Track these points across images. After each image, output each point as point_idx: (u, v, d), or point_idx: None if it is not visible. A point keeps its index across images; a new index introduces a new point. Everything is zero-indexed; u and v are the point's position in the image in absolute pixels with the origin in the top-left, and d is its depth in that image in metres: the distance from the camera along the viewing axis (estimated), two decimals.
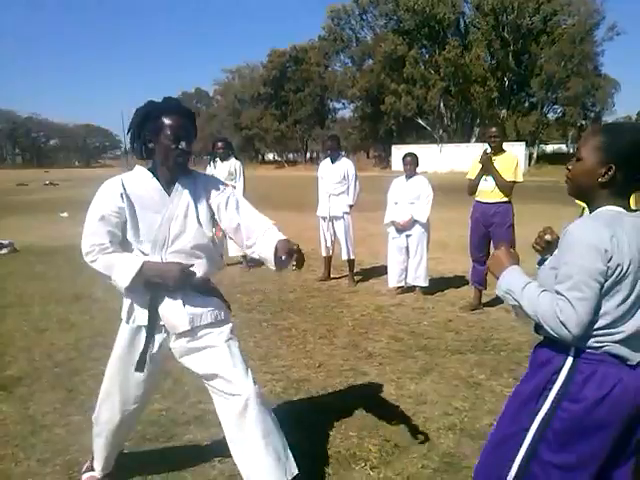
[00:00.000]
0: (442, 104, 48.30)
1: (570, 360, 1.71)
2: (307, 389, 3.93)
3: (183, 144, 2.38)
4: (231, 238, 2.59)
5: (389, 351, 4.65)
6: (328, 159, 7.39)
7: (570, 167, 1.79)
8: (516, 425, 1.79)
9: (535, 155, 45.67)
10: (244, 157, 51.56)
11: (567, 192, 1.84)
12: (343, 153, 7.74)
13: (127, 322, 2.53)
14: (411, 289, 6.61)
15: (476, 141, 44.63)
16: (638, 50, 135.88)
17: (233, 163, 8.12)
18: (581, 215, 5.16)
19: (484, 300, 6.06)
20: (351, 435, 3.25)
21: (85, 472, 2.86)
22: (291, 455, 2.53)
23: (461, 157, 38.31)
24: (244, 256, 8.17)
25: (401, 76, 47.18)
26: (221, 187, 2.58)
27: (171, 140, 2.35)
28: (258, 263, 8.35)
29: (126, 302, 2.54)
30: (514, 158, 5.65)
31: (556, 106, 48.52)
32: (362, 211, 9.56)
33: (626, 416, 1.68)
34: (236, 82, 70.62)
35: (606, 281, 1.61)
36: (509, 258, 1.90)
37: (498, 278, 1.88)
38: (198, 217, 2.48)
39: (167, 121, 2.35)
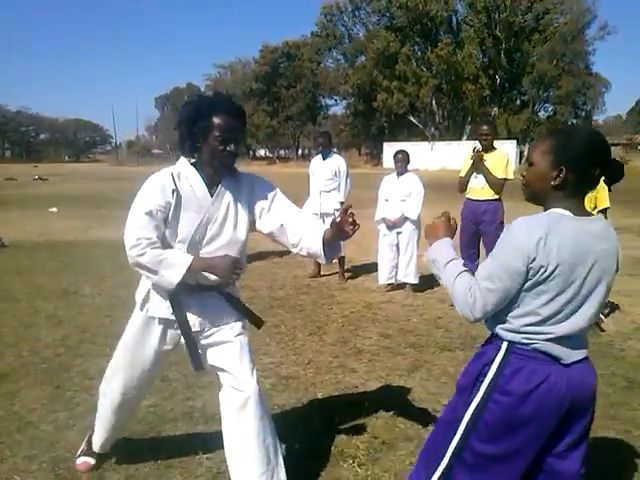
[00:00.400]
0: (434, 101, 48.39)
1: (502, 353, 1.75)
2: (296, 386, 3.93)
3: (232, 146, 2.31)
4: (275, 241, 2.54)
5: (378, 348, 4.66)
6: (319, 156, 7.38)
7: (524, 173, 1.83)
8: (454, 413, 1.83)
9: (526, 153, 45.81)
10: None
11: (524, 198, 1.87)
12: (335, 150, 7.74)
13: (141, 310, 2.53)
14: (401, 286, 6.62)
15: (467, 139, 44.74)
16: (629, 49, 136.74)
17: None
18: None
19: None
20: (339, 432, 3.24)
21: (79, 456, 2.90)
22: (282, 462, 2.53)
23: (452, 155, 38.41)
24: None
25: (393, 73, 47.20)
26: (267, 188, 2.52)
27: (219, 141, 2.28)
28: (248, 260, 8.36)
29: (142, 290, 2.52)
30: (505, 156, 5.67)
31: (547, 104, 48.83)
32: (353, 208, 9.53)
33: (556, 413, 1.71)
34: (228, 77, 70.43)
35: (528, 281, 1.67)
36: (445, 230, 1.96)
37: (430, 245, 1.96)
38: (236, 222, 2.45)
39: (217, 121, 2.27)
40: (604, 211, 4.98)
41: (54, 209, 15.13)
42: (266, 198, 2.48)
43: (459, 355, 4.53)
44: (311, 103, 62.71)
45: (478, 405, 1.76)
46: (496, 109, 46.96)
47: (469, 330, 5.18)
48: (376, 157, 51.60)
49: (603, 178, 1.77)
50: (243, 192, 2.46)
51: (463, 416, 1.78)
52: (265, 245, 8.72)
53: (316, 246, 2.35)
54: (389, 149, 42.13)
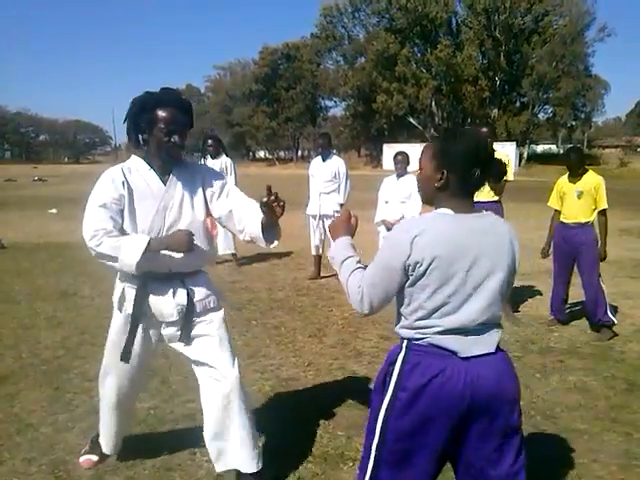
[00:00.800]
0: (433, 103, 48.39)
1: (403, 351, 1.82)
2: (296, 388, 3.92)
3: (176, 138, 2.41)
4: (224, 226, 2.65)
5: (378, 350, 4.65)
6: (319, 157, 7.38)
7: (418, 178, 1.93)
8: (372, 413, 1.88)
9: (525, 155, 45.90)
10: (235, 154, 51.38)
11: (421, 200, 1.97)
12: (334, 151, 7.74)
13: (119, 310, 2.61)
14: None
15: None
16: (628, 51, 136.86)
17: (224, 160, 8.09)
18: (557, 217, 5.23)
19: None
20: (339, 435, 3.24)
21: (83, 455, 2.96)
22: (260, 449, 2.69)
23: None
24: (234, 254, 8.15)
25: (393, 75, 47.21)
26: (216, 177, 2.64)
27: (164, 133, 2.39)
28: (247, 261, 8.38)
29: (117, 291, 2.62)
30: (505, 157, 5.65)
31: (547, 106, 48.77)
32: (353, 210, 9.52)
33: (455, 407, 1.74)
34: (227, 79, 70.43)
35: (410, 277, 1.75)
36: (344, 229, 2.03)
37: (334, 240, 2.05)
38: (193, 207, 2.54)
39: (161, 114, 2.38)
40: (603, 212, 4.99)
41: (53, 210, 15.13)
42: (216, 185, 2.59)
43: None
44: (311, 104, 62.71)
45: (388, 404, 1.81)
46: (496, 111, 46.96)
47: None
48: (376, 158, 51.58)
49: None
50: (196, 179, 2.57)
51: (378, 415, 1.83)
52: (264, 247, 8.70)
53: (256, 230, 2.46)
54: (389, 150, 42.08)
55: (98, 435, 2.95)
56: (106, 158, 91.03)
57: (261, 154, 72.81)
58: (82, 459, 2.95)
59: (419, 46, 49.77)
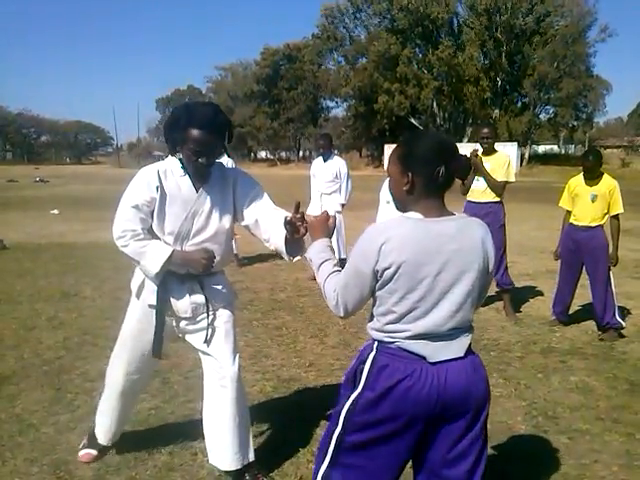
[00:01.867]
0: (435, 104, 48.34)
1: (373, 352, 1.84)
2: (297, 388, 3.93)
3: (203, 159, 2.46)
4: (252, 234, 2.70)
5: None
6: (320, 158, 7.39)
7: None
8: (337, 406, 1.91)
9: (527, 155, 45.82)
10: (236, 155, 51.44)
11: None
12: (335, 152, 7.75)
13: (137, 298, 2.71)
14: None
15: (468, 141, 44.65)
16: (629, 52, 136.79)
17: (225, 161, 8.01)
18: (568, 217, 5.19)
19: None
20: None
21: (82, 449, 3.01)
22: (252, 443, 2.76)
23: None
24: (235, 255, 8.16)
25: (394, 75, 47.16)
26: (249, 183, 2.70)
27: (192, 152, 2.44)
28: (249, 262, 8.38)
29: (137, 279, 2.70)
30: (506, 158, 5.66)
31: (548, 107, 48.68)
32: (354, 210, 9.55)
33: (421, 410, 1.76)
34: (229, 80, 70.42)
35: (378, 281, 1.78)
36: (322, 231, 2.07)
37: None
38: (221, 215, 2.61)
39: (192, 134, 2.41)
40: (616, 216, 4.94)
41: (55, 211, 15.14)
42: (247, 194, 2.65)
43: None
44: (312, 105, 62.70)
45: (354, 400, 1.84)
46: (497, 111, 46.92)
47: None
48: (377, 159, 51.55)
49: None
50: (228, 186, 2.63)
51: (343, 408, 1.86)
52: (265, 247, 8.70)
53: (279, 244, 2.50)
54: (390, 151, 41.89)
55: (95, 427, 3.01)
56: (108, 159, 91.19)
57: (262, 155, 72.83)
58: (81, 453, 3.00)
59: (420, 47, 49.71)
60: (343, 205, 7.27)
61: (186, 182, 2.55)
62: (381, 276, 1.76)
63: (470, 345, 1.87)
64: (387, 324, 1.81)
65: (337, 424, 1.87)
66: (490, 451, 3.13)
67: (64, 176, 39.31)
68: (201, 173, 2.54)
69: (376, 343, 1.85)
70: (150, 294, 2.65)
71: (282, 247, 2.49)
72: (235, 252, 8.13)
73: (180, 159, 2.56)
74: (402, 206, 1.88)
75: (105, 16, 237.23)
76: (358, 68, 51.66)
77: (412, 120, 49.36)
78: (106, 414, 2.93)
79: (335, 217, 2.13)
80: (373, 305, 1.86)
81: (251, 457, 2.74)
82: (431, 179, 1.79)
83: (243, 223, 2.67)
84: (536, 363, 4.43)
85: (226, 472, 2.76)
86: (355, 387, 1.85)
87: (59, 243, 10.03)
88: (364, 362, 1.85)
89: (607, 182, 4.96)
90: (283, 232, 2.42)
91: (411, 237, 1.75)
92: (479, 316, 5.73)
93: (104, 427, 2.95)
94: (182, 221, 2.54)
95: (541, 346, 4.83)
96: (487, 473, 2.89)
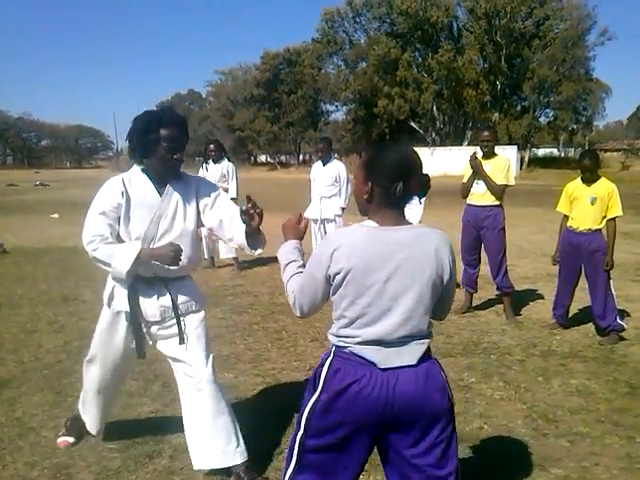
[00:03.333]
0: (435, 107, 48.35)
1: (330, 357, 1.89)
2: (298, 392, 3.91)
3: (178, 155, 2.64)
4: (216, 235, 2.83)
5: None
6: (320, 161, 7.40)
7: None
8: (301, 409, 1.93)
9: (527, 159, 45.78)
10: (236, 159, 51.41)
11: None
12: (335, 155, 7.75)
13: (108, 306, 2.83)
14: None
15: (468, 144, 44.68)
16: (629, 55, 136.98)
17: (226, 165, 8.11)
18: (566, 222, 5.18)
19: (475, 303, 6.08)
20: None
21: (60, 436, 3.19)
22: (243, 441, 2.78)
23: (453, 160, 38.29)
24: (235, 258, 8.16)
25: (394, 79, 47.19)
26: (210, 188, 2.84)
27: (166, 151, 2.61)
28: (249, 265, 8.38)
29: (108, 289, 2.83)
30: (506, 161, 5.67)
31: (548, 110, 48.65)
32: (354, 214, 9.54)
33: (371, 415, 1.78)
34: (229, 84, 70.40)
35: (331, 286, 1.85)
36: (292, 232, 2.14)
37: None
38: (185, 217, 2.74)
39: (164, 133, 2.59)
40: (613, 219, 4.92)
41: (55, 215, 15.16)
42: (209, 196, 2.79)
43: (461, 361, 4.52)
44: (312, 109, 62.67)
45: (312, 403, 1.87)
46: (497, 115, 46.93)
47: (471, 336, 5.18)
48: None
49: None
50: (190, 191, 2.78)
51: (304, 412, 1.90)
52: (266, 251, 8.72)
53: (241, 239, 2.66)
54: None
55: (75, 417, 3.19)
56: (108, 163, 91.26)
57: (262, 158, 72.77)
58: (59, 440, 3.16)
59: (420, 50, 49.74)
60: (343, 209, 7.27)
61: (150, 188, 2.70)
62: (333, 281, 1.82)
63: (428, 352, 1.88)
64: (340, 328, 1.86)
65: (300, 428, 1.90)
66: (490, 454, 3.14)
67: (64, 180, 39.33)
68: (174, 171, 2.70)
69: (333, 347, 1.89)
70: (120, 300, 2.76)
71: (244, 242, 2.65)
72: (235, 256, 8.14)
73: (142, 169, 2.71)
74: (363, 212, 1.93)
75: (105, 21, 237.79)
76: (358, 72, 51.70)
77: (412, 124, 49.42)
78: (88, 407, 3.10)
79: (307, 220, 2.19)
80: (333, 311, 1.90)
81: (245, 456, 2.76)
82: (389, 192, 1.82)
83: (207, 225, 2.81)
84: (536, 366, 4.43)
85: (211, 471, 2.81)
86: (314, 390, 1.89)
87: (59, 247, 10.04)
88: (322, 366, 1.90)
89: (605, 185, 4.96)
90: (243, 228, 2.60)
91: (361, 244, 1.79)
92: (480, 319, 5.73)
93: (88, 417, 3.12)
94: (148, 224, 2.67)
95: (541, 349, 4.83)
96: (488, 476, 2.90)
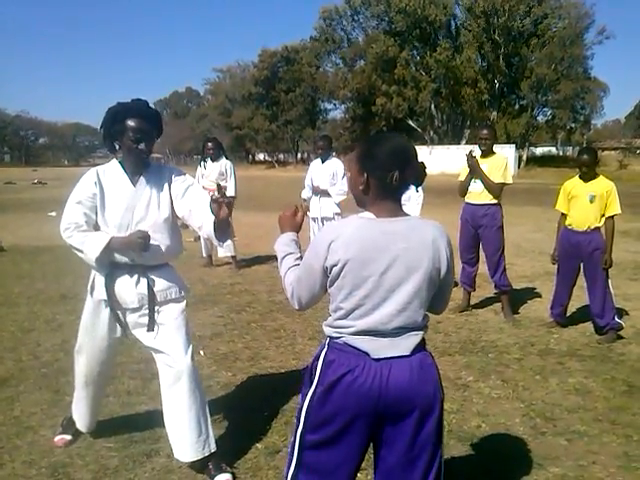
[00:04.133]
0: (433, 106, 48.38)
1: (325, 348, 1.90)
2: (297, 390, 3.91)
3: (142, 145, 2.73)
4: (187, 223, 2.89)
5: None
6: (319, 159, 7.39)
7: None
8: (299, 404, 1.94)
9: (525, 157, 45.85)
10: (234, 157, 51.32)
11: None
12: (334, 154, 7.74)
13: (90, 295, 2.92)
14: None
15: (466, 143, 44.71)
16: (627, 54, 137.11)
17: (224, 163, 8.10)
18: (563, 220, 5.18)
19: (473, 302, 6.08)
20: None
21: (57, 435, 3.21)
22: (212, 433, 2.86)
23: (451, 159, 38.30)
24: (233, 257, 8.16)
25: (392, 77, 47.20)
26: (182, 178, 2.91)
27: (132, 141, 2.71)
28: (247, 264, 8.38)
29: (90, 278, 2.92)
30: (503, 160, 5.67)
31: (546, 109, 48.71)
32: (352, 212, 9.54)
33: (365, 405, 1.79)
34: (227, 82, 70.37)
35: (328, 277, 1.85)
36: (289, 225, 2.14)
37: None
38: (159, 205, 2.83)
39: (130, 123, 2.69)
40: (612, 217, 4.92)
41: (53, 213, 15.09)
42: (181, 186, 2.87)
43: (459, 360, 4.53)
44: (310, 107, 62.61)
45: (310, 397, 1.88)
46: (495, 113, 46.96)
47: (469, 335, 5.18)
48: None
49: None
50: (163, 180, 2.86)
51: (302, 406, 1.91)
52: (264, 249, 8.73)
53: (209, 229, 2.70)
54: None
55: (71, 415, 3.21)
56: (106, 161, 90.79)
57: (261, 157, 72.72)
58: (56, 438, 3.18)
59: (418, 49, 49.75)
60: (337, 204, 7.22)
61: (124, 178, 2.81)
62: (330, 272, 1.82)
63: (423, 345, 1.89)
64: (336, 320, 1.86)
65: (299, 423, 1.91)
66: (488, 452, 3.14)
67: (62, 178, 39.19)
68: (141, 161, 2.79)
69: (328, 339, 1.90)
70: (100, 289, 2.84)
71: (211, 232, 2.69)
72: (233, 254, 8.13)
73: (120, 161, 2.83)
74: (360, 204, 1.93)
75: (103, 19, 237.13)
76: (356, 70, 51.70)
77: (410, 122, 49.42)
78: (78, 404, 3.15)
79: (304, 212, 2.19)
80: (329, 303, 1.90)
81: (212, 448, 2.83)
82: (385, 182, 1.82)
83: (179, 214, 2.87)
84: (534, 365, 4.43)
85: (190, 465, 2.87)
86: (311, 384, 1.89)
87: (57, 245, 9.97)
88: (317, 359, 1.91)
89: (604, 183, 4.96)
90: (212, 219, 2.65)
91: (358, 235, 1.80)
92: (478, 318, 5.74)
93: (78, 415, 3.17)
94: (122, 212, 2.77)
95: (539, 348, 4.84)
96: (486, 475, 2.91)
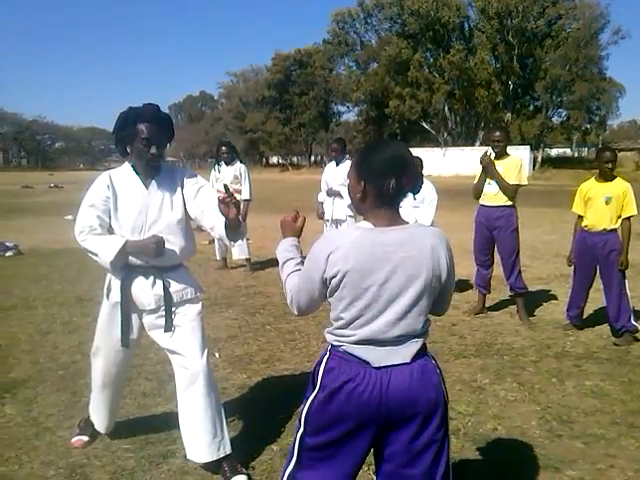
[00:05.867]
0: (446, 108, 48.25)
1: (327, 355, 1.91)
2: None
3: (154, 149, 2.73)
4: (199, 224, 2.89)
5: None
6: (333, 162, 7.40)
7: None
8: (302, 407, 1.95)
9: (540, 159, 45.53)
10: (248, 160, 51.53)
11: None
12: (348, 156, 7.74)
13: (107, 298, 2.94)
14: None
15: (480, 145, 44.51)
16: None
17: (238, 167, 8.13)
18: (580, 222, 5.13)
19: (488, 304, 6.05)
20: None
21: (75, 436, 3.23)
22: (227, 435, 2.88)
23: (465, 161, 38.21)
24: (248, 259, 8.18)
25: (405, 80, 47.15)
26: (194, 180, 2.92)
27: (143, 145, 2.72)
28: (261, 266, 8.40)
29: (106, 281, 2.94)
30: (518, 161, 5.64)
31: (561, 110, 48.38)
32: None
33: (367, 413, 1.79)
34: (241, 85, 70.74)
35: (328, 287, 1.85)
36: (289, 229, 2.15)
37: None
38: (172, 207, 2.84)
39: (141, 128, 2.70)
40: (629, 219, 4.87)
41: (69, 216, 15.19)
42: (192, 187, 2.88)
43: (474, 362, 4.51)
44: (323, 110, 62.75)
45: (311, 401, 1.89)
46: (509, 115, 46.72)
47: (484, 337, 5.15)
48: None
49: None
50: (175, 182, 2.88)
51: (304, 409, 1.92)
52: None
53: (221, 230, 2.71)
54: None
55: (88, 417, 3.24)
56: (121, 164, 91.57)
57: (274, 160, 72.96)
58: (74, 440, 3.20)
59: (431, 51, 49.68)
60: (351, 208, 7.24)
61: (136, 181, 2.82)
62: (329, 284, 1.83)
63: (424, 350, 1.89)
64: (337, 329, 1.87)
65: (300, 425, 1.92)
66: (503, 455, 3.12)
67: (78, 182, 39.53)
68: (153, 165, 2.79)
69: (329, 346, 1.92)
70: (116, 292, 2.86)
71: (223, 232, 2.70)
72: (247, 257, 8.16)
73: (132, 165, 2.84)
74: (358, 212, 1.94)
75: (118, 23, 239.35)
76: (369, 73, 51.71)
77: (424, 124, 49.30)
78: (97, 406, 3.17)
79: (305, 217, 2.20)
80: (331, 311, 1.90)
81: (228, 449, 2.85)
82: (382, 190, 1.82)
83: (192, 215, 2.88)
84: (550, 367, 4.40)
85: (204, 466, 2.88)
86: (314, 389, 1.90)
87: (74, 248, 10.06)
88: (319, 364, 1.92)
89: (620, 184, 4.91)
90: (223, 219, 2.66)
91: (357, 246, 1.79)
92: (493, 320, 5.71)
93: (98, 415, 3.19)
94: (136, 215, 2.78)
95: (555, 350, 4.80)
96: (501, 478, 2.89)
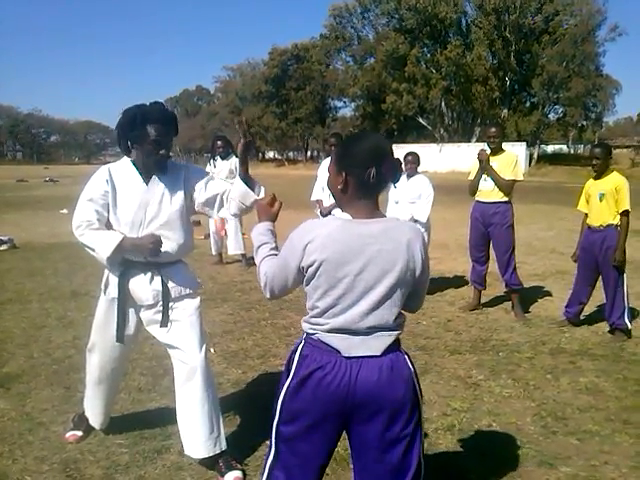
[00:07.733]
0: (443, 103, 48.23)
1: (302, 343, 1.93)
2: None
3: (163, 151, 2.71)
4: (206, 209, 2.87)
5: None
6: (329, 157, 7.38)
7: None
8: (276, 394, 1.96)
9: (536, 155, 45.56)
10: None
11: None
12: None
13: (104, 293, 2.94)
14: None
15: (477, 141, 44.53)
16: (639, 51, 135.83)
17: (234, 161, 8.10)
18: (585, 220, 5.14)
19: (483, 300, 6.06)
20: None
21: (69, 431, 3.23)
22: (223, 431, 2.88)
23: (461, 157, 38.20)
24: (243, 255, 8.17)
25: (402, 75, 47.09)
26: (201, 174, 2.92)
27: (153, 146, 2.69)
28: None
29: (104, 277, 2.94)
30: (513, 157, 5.64)
31: (557, 106, 48.42)
32: None
33: (335, 401, 1.81)
34: (237, 80, 70.48)
35: (305, 276, 1.87)
36: (265, 214, 2.17)
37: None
38: (171, 203, 2.81)
39: (150, 129, 2.66)
40: (625, 214, 4.87)
41: (65, 211, 15.17)
42: (201, 180, 2.85)
43: (469, 358, 4.51)
44: (320, 105, 62.60)
45: (285, 389, 1.91)
46: (506, 111, 46.75)
47: (479, 333, 5.16)
48: None
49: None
50: (179, 177, 2.84)
51: (279, 397, 1.93)
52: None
53: (241, 187, 2.71)
54: (398, 151, 40.51)
55: (83, 412, 3.22)
56: (117, 159, 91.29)
57: (270, 155, 72.85)
58: (68, 434, 3.20)
59: (429, 46, 49.61)
60: None
61: (136, 176, 2.79)
62: (306, 272, 1.86)
63: (396, 345, 1.89)
64: (312, 317, 1.90)
65: (275, 414, 1.94)
66: (499, 452, 3.13)
67: (73, 176, 39.46)
68: (162, 164, 2.76)
69: (305, 334, 1.94)
70: (114, 287, 2.86)
71: (245, 188, 2.70)
72: (243, 252, 8.15)
73: (132, 161, 2.81)
74: (339, 205, 1.95)
75: (114, 17, 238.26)
76: (366, 68, 51.63)
77: (420, 120, 49.28)
78: (91, 401, 3.16)
79: (281, 202, 2.21)
80: (307, 300, 1.92)
81: (223, 446, 2.86)
82: (363, 180, 1.84)
83: (202, 202, 2.84)
84: (545, 364, 4.41)
85: (200, 461, 2.88)
86: (288, 376, 1.92)
87: (69, 242, 10.03)
88: (294, 352, 1.94)
89: (614, 179, 4.92)
90: (238, 181, 2.71)
91: (334, 237, 1.82)
92: (488, 316, 5.72)
93: (93, 410, 3.18)
94: (135, 211, 2.76)
95: (550, 347, 4.81)
96: (496, 474, 2.89)
